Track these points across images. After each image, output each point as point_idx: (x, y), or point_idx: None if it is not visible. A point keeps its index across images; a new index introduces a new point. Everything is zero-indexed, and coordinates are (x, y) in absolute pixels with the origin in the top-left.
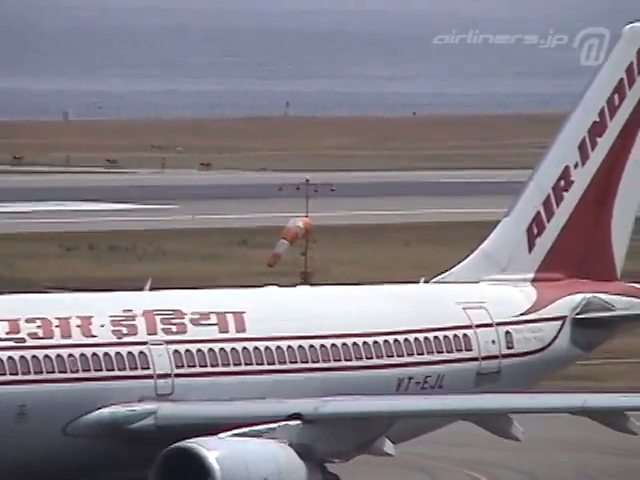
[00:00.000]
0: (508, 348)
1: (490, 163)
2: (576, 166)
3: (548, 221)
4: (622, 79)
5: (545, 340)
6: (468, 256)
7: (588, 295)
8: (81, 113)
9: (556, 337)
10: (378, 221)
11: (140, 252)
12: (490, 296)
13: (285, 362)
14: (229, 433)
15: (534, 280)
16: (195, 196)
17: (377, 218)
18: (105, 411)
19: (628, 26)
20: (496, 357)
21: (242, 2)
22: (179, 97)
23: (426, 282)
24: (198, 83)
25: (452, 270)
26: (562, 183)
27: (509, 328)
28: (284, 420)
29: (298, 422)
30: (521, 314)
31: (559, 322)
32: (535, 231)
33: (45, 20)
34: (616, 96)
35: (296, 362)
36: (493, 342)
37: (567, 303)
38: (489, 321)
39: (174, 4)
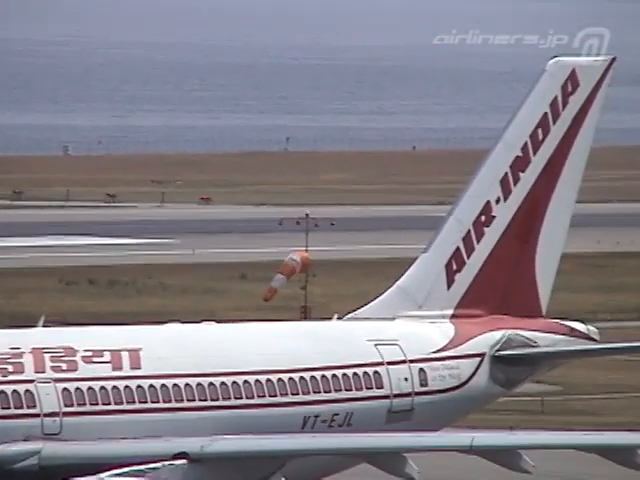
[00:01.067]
0: (422, 385)
1: None
2: (498, 201)
3: (468, 257)
4: (546, 114)
5: (462, 377)
6: (384, 292)
7: (509, 332)
8: (81, 148)
9: (474, 374)
10: (378, 255)
11: (140, 286)
12: (404, 333)
13: (182, 400)
14: (109, 473)
15: (453, 316)
16: (195, 230)
17: (377, 252)
18: None
19: (552, 60)
20: (409, 395)
21: (240, 38)
22: (179, 132)
23: (339, 318)
24: (198, 118)
25: (367, 306)
26: (483, 218)
27: (423, 365)
28: (170, 459)
29: (184, 461)
30: (437, 351)
31: (477, 359)
32: (454, 267)
33: (44, 56)
34: (540, 131)
35: (194, 400)
36: (406, 379)
37: (486, 340)
38: (402, 358)
39: (174, 39)
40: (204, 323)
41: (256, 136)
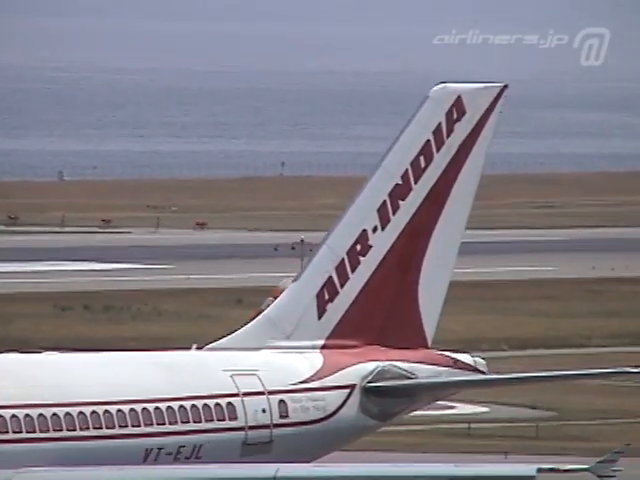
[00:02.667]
0: (282, 417)
1: (483, 223)
2: (375, 230)
3: (341, 286)
4: (429, 141)
5: (328, 409)
6: (249, 322)
7: (384, 363)
8: (76, 173)
9: (342, 406)
10: None
11: (135, 312)
12: (265, 363)
13: (20, 432)
14: None
15: (324, 347)
16: (190, 256)
17: None
18: None
19: (437, 87)
20: (267, 427)
21: (237, 65)
22: (174, 157)
23: (199, 348)
24: (192, 143)
25: (230, 336)
26: (359, 247)
27: (284, 396)
28: None
29: None
30: (300, 382)
31: (346, 391)
32: (326, 296)
33: (39, 81)
34: (422, 158)
35: (20, 432)
36: (264, 411)
37: (357, 371)
38: (260, 389)
39: (168, 65)
40: (45, 353)
41: (251, 161)
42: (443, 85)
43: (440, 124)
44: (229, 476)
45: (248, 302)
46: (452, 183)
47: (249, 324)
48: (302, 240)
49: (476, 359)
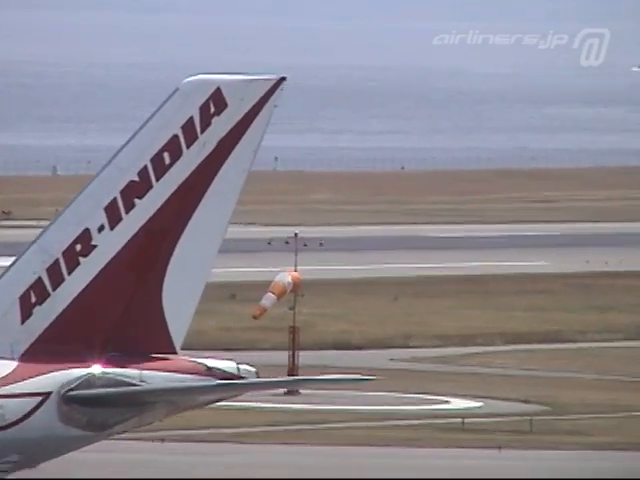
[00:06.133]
0: None
1: (478, 217)
2: (101, 229)
3: (54, 289)
4: (176, 136)
5: (8, 418)
6: None
7: (99, 370)
8: (69, 168)
9: (29, 415)
10: (367, 275)
11: None
12: None
13: None
14: None
15: (26, 353)
16: None
17: (366, 272)
18: None
19: (189, 78)
20: None
21: (227, 58)
22: None
23: None
24: None
25: None
26: (79, 247)
27: None
28: None
29: None
30: None
31: (36, 399)
32: (33, 299)
33: (33, 76)
34: (166, 154)
35: None
36: None
37: (56, 378)
38: None
39: (163, 59)
40: None
41: None
42: (198, 77)
43: (192, 118)
44: None
45: (242, 297)
46: (210, 181)
47: None
48: (296, 235)
49: (243, 367)
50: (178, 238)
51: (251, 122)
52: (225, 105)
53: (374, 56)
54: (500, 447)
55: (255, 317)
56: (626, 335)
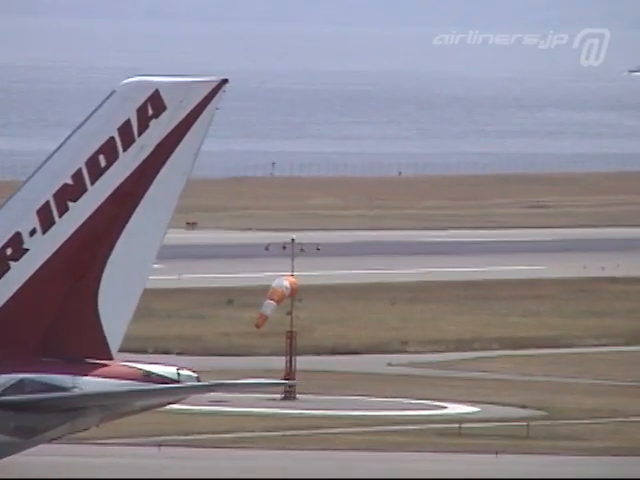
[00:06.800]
0: None
1: (476, 223)
2: (33, 233)
3: None
4: (112, 138)
5: None
6: None
7: (29, 375)
8: None
9: None
10: (364, 280)
11: None
12: None
13: None
14: None
15: None
16: (181, 255)
17: (363, 277)
18: None
19: (126, 80)
20: None
21: (225, 64)
22: None
23: None
24: None
25: None
26: (9, 251)
27: None
28: None
29: None
30: None
31: None
32: None
33: (36, 81)
34: (102, 157)
35: None
36: None
37: None
38: None
39: (157, 64)
40: None
41: (242, 161)
42: (136, 79)
43: (129, 121)
44: None
45: (239, 302)
46: (147, 185)
47: None
48: (293, 240)
49: (183, 372)
50: (114, 243)
51: (191, 125)
52: (164, 108)
53: (374, 60)
54: (497, 452)
55: (257, 326)
56: (623, 340)
